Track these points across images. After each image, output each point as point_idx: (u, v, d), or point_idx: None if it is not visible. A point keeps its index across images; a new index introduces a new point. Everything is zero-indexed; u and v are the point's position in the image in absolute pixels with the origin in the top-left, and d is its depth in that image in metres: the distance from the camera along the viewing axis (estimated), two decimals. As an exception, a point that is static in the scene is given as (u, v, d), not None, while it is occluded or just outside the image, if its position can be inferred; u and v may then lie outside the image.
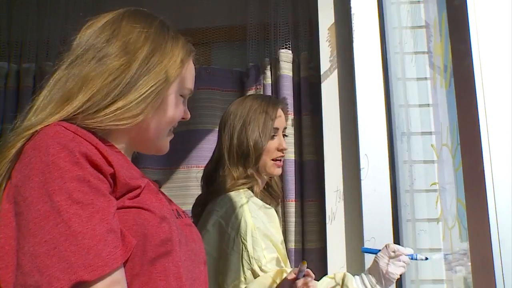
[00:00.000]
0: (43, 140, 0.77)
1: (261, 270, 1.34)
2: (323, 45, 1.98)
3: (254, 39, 2.45)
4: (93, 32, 0.90)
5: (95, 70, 0.85)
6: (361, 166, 1.73)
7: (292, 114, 2.25)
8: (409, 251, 1.38)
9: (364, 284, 1.39)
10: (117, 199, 0.79)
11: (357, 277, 1.41)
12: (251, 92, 2.34)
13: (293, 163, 2.20)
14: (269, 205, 1.52)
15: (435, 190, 1.72)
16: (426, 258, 1.40)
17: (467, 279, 1.50)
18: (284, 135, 1.61)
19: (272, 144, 1.54)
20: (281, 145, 1.56)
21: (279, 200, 1.73)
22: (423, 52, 1.84)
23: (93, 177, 0.75)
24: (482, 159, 0.84)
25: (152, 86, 0.87)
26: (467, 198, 0.92)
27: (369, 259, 1.46)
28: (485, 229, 0.81)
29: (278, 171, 1.58)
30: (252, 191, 1.49)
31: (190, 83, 0.98)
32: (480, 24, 0.90)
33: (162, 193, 0.98)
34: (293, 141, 2.22)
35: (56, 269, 0.68)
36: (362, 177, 1.72)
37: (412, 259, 1.37)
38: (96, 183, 0.75)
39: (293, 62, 2.31)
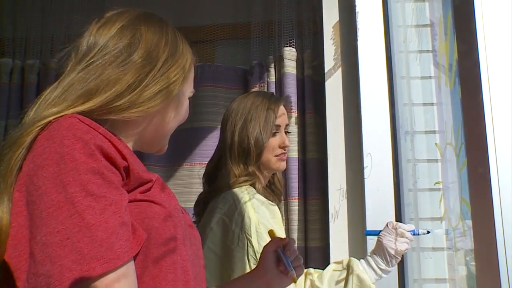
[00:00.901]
0: (58, 130, 0.77)
1: None
2: (327, 43, 1.98)
3: (258, 37, 2.44)
4: (111, 35, 0.91)
5: (117, 73, 0.87)
6: (365, 165, 1.72)
7: (296, 112, 2.24)
8: (411, 227, 1.40)
9: (371, 266, 1.40)
10: (129, 192, 0.80)
11: (362, 260, 1.42)
12: (254, 90, 2.34)
13: (297, 161, 2.20)
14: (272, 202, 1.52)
15: (438, 189, 1.72)
16: (428, 232, 1.41)
17: (470, 278, 1.50)
18: (287, 132, 1.61)
19: (274, 141, 1.54)
20: (283, 142, 1.55)
21: (281, 197, 1.73)
22: (428, 51, 1.83)
23: (107, 169, 0.76)
24: (488, 158, 0.83)
25: (165, 85, 0.90)
26: (471, 197, 0.92)
27: (371, 247, 1.46)
28: (490, 229, 0.80)
29: (283, 165, 1.57)
30: (254, 188, 1.49)
31: (192, 85, 1.03)
32: (485, 23, 0.90)
33: (169, 188, 0.99)
34: (296, 139, 2.22)
35: (68, 260, 0.68)
36: (365, 176, 1.72)
37: (414, 234, 1.39)
38: (109, 176, 0.75)
39: (297, 60, 2.31)
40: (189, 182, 2.30)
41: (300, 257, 1.23)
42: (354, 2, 1.85)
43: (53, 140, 0.76)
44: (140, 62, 0.89)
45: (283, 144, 1.55)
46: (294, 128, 2.22)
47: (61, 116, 0.80)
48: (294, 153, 2.19)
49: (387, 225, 1.40)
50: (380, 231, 1.41)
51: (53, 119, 0.79)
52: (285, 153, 1.57)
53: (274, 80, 2.32)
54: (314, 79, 2.28)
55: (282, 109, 1.58)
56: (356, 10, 1.84)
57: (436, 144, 1.75)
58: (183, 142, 2.31)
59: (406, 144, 1.77)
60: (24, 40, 2.55)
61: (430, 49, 1.82)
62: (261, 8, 2.46)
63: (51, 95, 0.85)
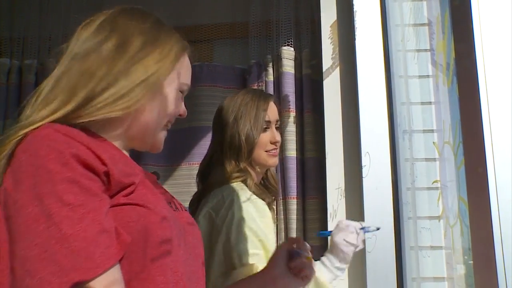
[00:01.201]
0: (33, 143, 0.76)
1: (242, 264, 1.34)
2: (325, 42, 1.98)
3: (256, 36, 2.44)
4: (90, 32, 0.91)
5: (92, 67, 0.86)
6: (363, 164, 1.72)
7: (294, 112, 2.25)
8: (361, 224, 1.43)
9: (326, 266, 1.41)
10: (112, 196, 0.79)
11: (317, 261, 1.42)
12: (252, 89, 2.35)
13: (295, 160, 2.20)
14: (267, 200, 1.52)
15: (436, 188, 1.72)
16: (378, 228, 1.45)
17: (469, 277, 1.50)
18: (277, 128, 1.62)
19: (265, 137, 1.55)
20: (274, 137, 1.57)
21: (277, 194, 1.73)
22: (426, 50, 1.83)
23: (83, 177, 0.75)
24: (485, 157, 0.84)
25: (143, 75, 0.87)
26: (469, 196, 0.92)
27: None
28: (487, 227, 0.81)
29: (275, 160, 1.58)
30: (246, 185, 1.49)
31: (186, 79, 0.98)
32: (483, 21, 0.90)
33: (159, 185, 0.98)
34: (294, 138, 2.22)
35: (47, 273, 0.67)
36: (363, 175, 1.72)
37: (365, 231, 1.42)
38: (87, 183, 0.74)
39: (295, 60, 2.31)
40: (188, 181, 2.30)
41: (312, 260, 1.22)
42: (352, 1, 1.85)
43: (29, 152, 0.75)
44: (111, 53, 0.87)
45: (274, 140, 1.56)
46: (292, 128, 2.22)
47: (37, 127, 0.79)
48: (292, 152, 2.20)
49: (337, 224, 1.42)
50: (331, 231, 1.43)
51: (29, 131, 0.79)
52: (276, 149, 1.58)
53: (272, 79, 2.32)
54: (312, 78, 2.28)
55: (272, 105, 1.59)
56: (354, 9, 1.84)
57: (434, 143, 1.75)
58: (182, 142, 2.32)
59: (404, 143, 1.77)
60: (21, 40, 2.55)
61: (428, 48, 1.82)
62: (259, 8, 2.46)
63: (35, 97, 0.85)
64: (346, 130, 1.89)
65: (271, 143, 1.56)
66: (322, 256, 1.44)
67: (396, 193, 1.68)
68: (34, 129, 0.79)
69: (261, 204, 1.47)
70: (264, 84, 2.33)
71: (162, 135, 0.97)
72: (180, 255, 0.84)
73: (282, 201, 2.19)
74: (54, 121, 0.81)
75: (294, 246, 1.21)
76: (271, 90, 2.29)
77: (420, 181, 1.76)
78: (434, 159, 1.75)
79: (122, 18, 0.92)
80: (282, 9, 2.40)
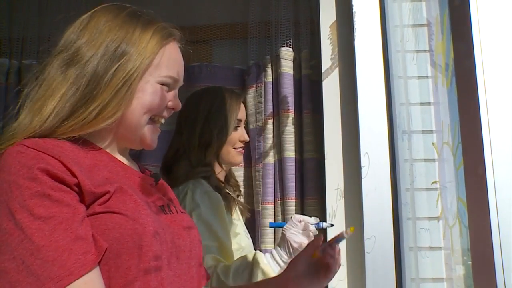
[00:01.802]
0: (6, 161, 0.79)
1: None
2: (324, 43, 1.98)
3: (255, 37, 2.44)
4: (65, 33, 0.93)
5: (62, 72, 0.87)
6: (362, 164, 1.72)
7: (293, 112, 2.24)
8: (316, 219, 1.46)
9: (274, 259, 1.43)
10: (88, 206, 0.81)
11: (267, 254, 1.46)
12: (252, 89, 2.35)
13: (294, 161, 2.20)
14: (233, 194, 1.56)
15: (436, 189, 1.72)
16: (332, 225, 1.49)
17: (468, 277, 1.50)
18: (245, 127, 1.69)
19: (236, 134, 1.62)
20: (243, 136, 1.64)
21: (239, 188, 1.78)
22: (425, 51, 1.83)
23: (53, 190, 0.77)
24: (484, 158, 0.84)
25: (122, 79, 0.87)
26: (468, 197, 0.92)
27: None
28: (486, 228, 0.81)
29: (240, 158, 1.64)
30: (209, 180, 1.52)
31: (169, 70, 0.95)
32: (482, 22, 0.90)
33: (156, 188, 0.97)
34: (293, 139, 2.22)
35: (26, 283, 0.70)
36: (362, 175, 1.72)
37: (318, 227, 1.45)
38: (58, 195, 0.77)
39: (294, 60, 2.31)
40: (187, 182, 2.30)
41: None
42: (351, 2, 1.85)
43: (3, 170, 0.78)
44: (82, 54, 0.88)
45: (243, 138, 1.62)
46: (291, 128, 2.22)
47: (12, 144, 0.82)
48: (291, 153, 2.20)
49: (291, 218, 1.45)
50: (284, 223, 1.46)
51: (5, 147, 0.82)
52: (243, 147, 1.64)
53: (271, 80, 2.32)
54: (311, 79, 2.28)
55: (242, 105, 1.65)
56: (353, 10, 1.84)
57: (433, 143, 1.75)
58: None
59: (403, 143, 1.77)
60: (21, 40, 2.56)
61: (427, 48, 1.82)
62: (258, 8, 2.46)
63: (21, 103, 0.89)
64: (345, 131, 1.89)
65: (240, 141, 1.61)
66: (273, 249, 1.47)
67: (395, 193, 1.68)
68: (8, 146, 0.82)
69: (215, 196, 1.50)
70: (263, 85, 2.33)
71: (148, 130, 0.95)
72: (162, 259, 0.84)
73: (281, 202, 2.19)
74: (40, 132, 0.84)
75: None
76: (270, 91, 2.29)
77: (419, 182, 1.76)
78: (433, 160, 1.75)
79: (95, 16, 0.93)
80: (281, 9, 2.40)
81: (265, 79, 2.32)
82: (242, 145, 1.63)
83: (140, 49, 0.89)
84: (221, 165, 1.59)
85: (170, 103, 0.97)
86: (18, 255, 0.72)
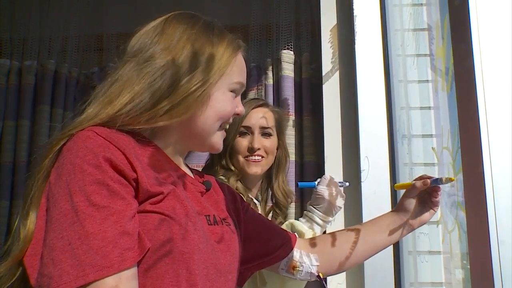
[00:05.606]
0: (76, 143, 0.82)
1: None
2: (325, 46, 1.98)
3: (256, 40, 2.45)
4: (139, 37, 0.95)
5: (137, 72, 0.89)
6: (362, 168, 1.73)
7: (293, 115, 2.25)
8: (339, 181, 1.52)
9: (314, 220, 1.46)
10: (140, 203, 0.82)
11: (301, 218, 1.48)
12: (252, 92, 2.35)
13: (294, 164, 2.20)
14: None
15: (435, 193, 1.72)
16: (349, 184, 1.56)
17: (466, 281, 1.50)
18: (266, 135, 1.63)
19: (242, 141, 1.58)
20: (250, 143, 1.58)
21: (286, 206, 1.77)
22: (425, 55, 1.84)
23: (113, 181, 0.79)
24: (483, 163, 0.84)
25: (196, 85, 0.90)
26: (467, 201, 0.92)
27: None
28: (484, 233, 0.81)
29: (255, 169, 1.58)
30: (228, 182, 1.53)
31: (239, 77, 1.00)
32: (481, 27, 0.90)
33: (206, 197, 0.99)
34: (293, 142, 2.22)
35: (67, 264, 0.72)
36: (362, 179, 1.72)
37: (341, 186, 1.52)
38: (115, 187, 0.78)
39: (295, 63, 2.31)
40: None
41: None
42: (352, 5, 1.86)
43: (71, 151, 0.81)
44: (159, 56, 0.91)
45: (250, 146, 1.57)
46: (291, 131, 2.22)
47: (83, 129, 0.84)
48: (291, 155, 2.19)
49: (323, 179, 1.49)
50: (314, 183, 1.49)
51: (76, 132, 0.84)
52: (255, 156, 1.59)
53: (271, 82, 2.32)
54: (311, 82, 2.28)
55: (256, 111, 1.61)
56: (354, 14, 1.85)
57: (432, 148, 1.75)
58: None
59: (403, 147, 1.77)
60: (22, 41, 2.56)
61: (428, 53, 1.83)
62: (260, 11, 2.46)
63: (91, 98, 0.90)
64: (345, 134, 1.90)
65: (248, 149, 1.55)
66: (306, 211, 1.50)
67: (394, 197, 1.68)
68: (79, 130, 0.84)
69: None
70: (263, 88, 2.33)
71: (218, 136, 0.98)
72: (199, 269, 0.84)
73: (281, 205, 2.19)
74: (107, 122, 0.86)
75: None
76: (270, 93, 2.29)
77: (419, 186, 1.76)
78: (433, 164, 1.75)
79: (170, 22, 0.96)
80: (282, 12, 2.41)
81: (266, 82, 2.33)
82: (251, 153, 1.55)
83: (217, 60, 0.94)
84: (235, 173, 1.56)
85: (236, 109, 1.01)
86: (67, 235, 0.74)
